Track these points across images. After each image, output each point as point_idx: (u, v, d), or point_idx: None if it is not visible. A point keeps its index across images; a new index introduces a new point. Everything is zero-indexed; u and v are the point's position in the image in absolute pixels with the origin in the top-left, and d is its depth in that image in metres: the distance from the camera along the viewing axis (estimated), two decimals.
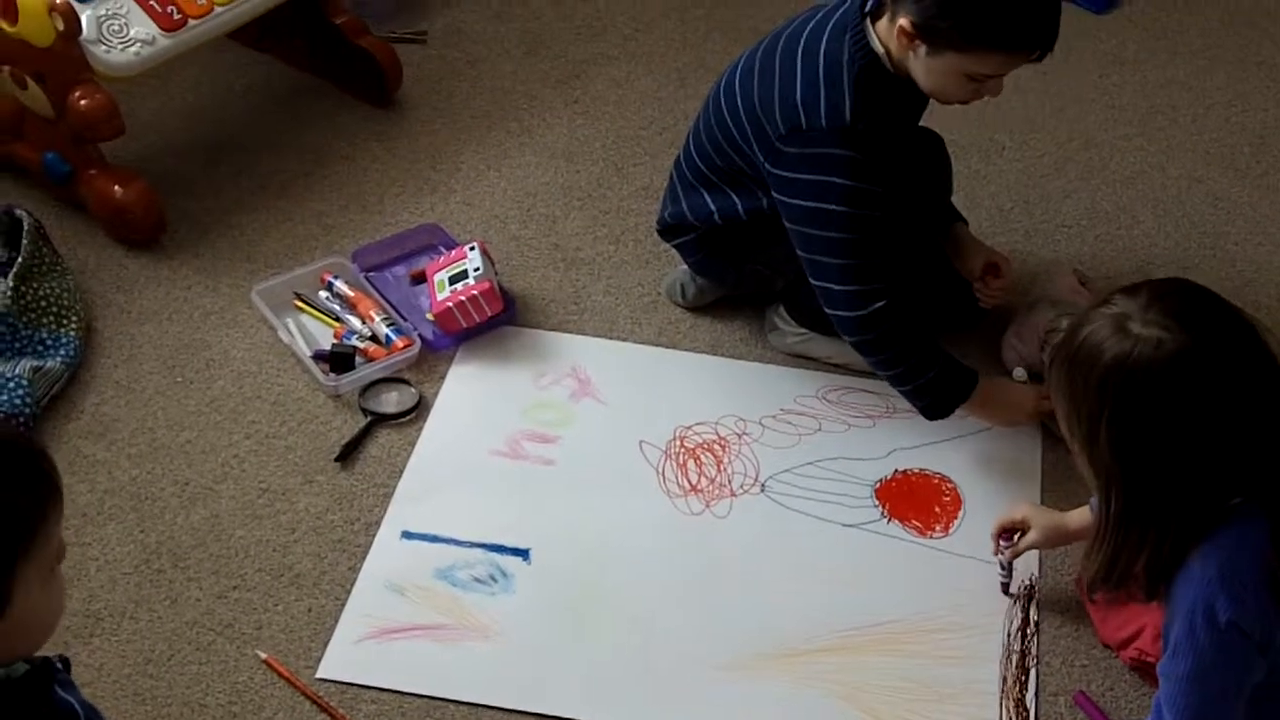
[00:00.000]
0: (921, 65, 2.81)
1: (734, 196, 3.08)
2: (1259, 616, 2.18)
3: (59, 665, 1.92)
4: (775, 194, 2.95)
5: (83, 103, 3.32)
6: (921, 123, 3.15)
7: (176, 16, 3.38)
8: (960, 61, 2.77)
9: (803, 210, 2.91)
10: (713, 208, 3.12)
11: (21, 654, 1.88)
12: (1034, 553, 2.86)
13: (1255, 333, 2.18)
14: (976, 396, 3.01)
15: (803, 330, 3.22)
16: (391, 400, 3.16)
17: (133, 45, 3.33)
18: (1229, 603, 2.16)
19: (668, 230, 3.27)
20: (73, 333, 3.20)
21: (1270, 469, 2.18)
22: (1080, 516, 2.74)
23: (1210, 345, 2.14)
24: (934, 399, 3.01)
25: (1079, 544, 2.82)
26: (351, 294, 3.33)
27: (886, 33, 2.83)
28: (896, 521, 2.98)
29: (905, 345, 2.96)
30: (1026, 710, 2.67)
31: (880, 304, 2.92)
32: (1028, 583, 2.85)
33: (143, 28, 3.35)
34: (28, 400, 3.03)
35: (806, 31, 2.93)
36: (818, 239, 2.92)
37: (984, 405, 3.04)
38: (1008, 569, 2.83)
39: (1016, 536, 2.80)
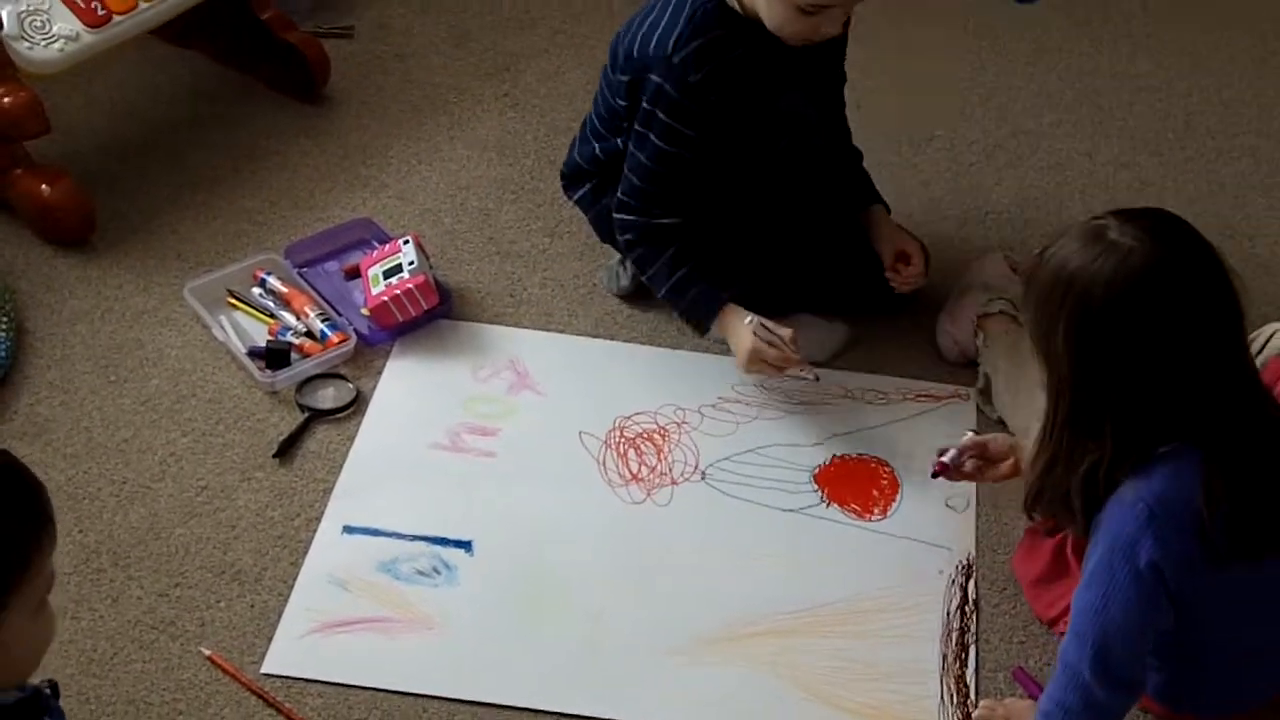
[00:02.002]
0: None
1: (616, 141, 3.15)
2: (1181, 562, 2.23)
3: (48, 692, 1.92)
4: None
5: (6, 100, 3.28)
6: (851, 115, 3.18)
7: (101, 12, 3.35)
8: None
9: (631, 134, 3.05)
10: (595, 147, 3.21)
11: (8, 683, 1.87)
12: (972, 532, 2.92)
13: (1223, 269, 2.22)
14: (718, 326, 3.12)
15: None
16: (328, 396, 3.15)
17: (56, 41, 3.30)
18: (1154, 544, 2.22)
19: (567, 184, 3.35)
20: (2, 334, 3.17)
21: (1214, 401, 2.23)
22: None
23: (1177, 264, 2.18)
24: (680, 314, 3.18)
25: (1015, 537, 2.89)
26: (285, 290, 3.32)
27: None
28: (835, 505, 3.00)
29: (646, 258, 3.14)
30: (966, 687, 2.70)
31: (631, 218, 3.11)
32: (965, 561, 2.88)
33: (66, 24, 3.32)
34: None
35: None
36: (630, 157, 3.07)
37: (726, 337, 3.13)
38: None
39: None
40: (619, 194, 3.14)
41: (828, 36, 2.92)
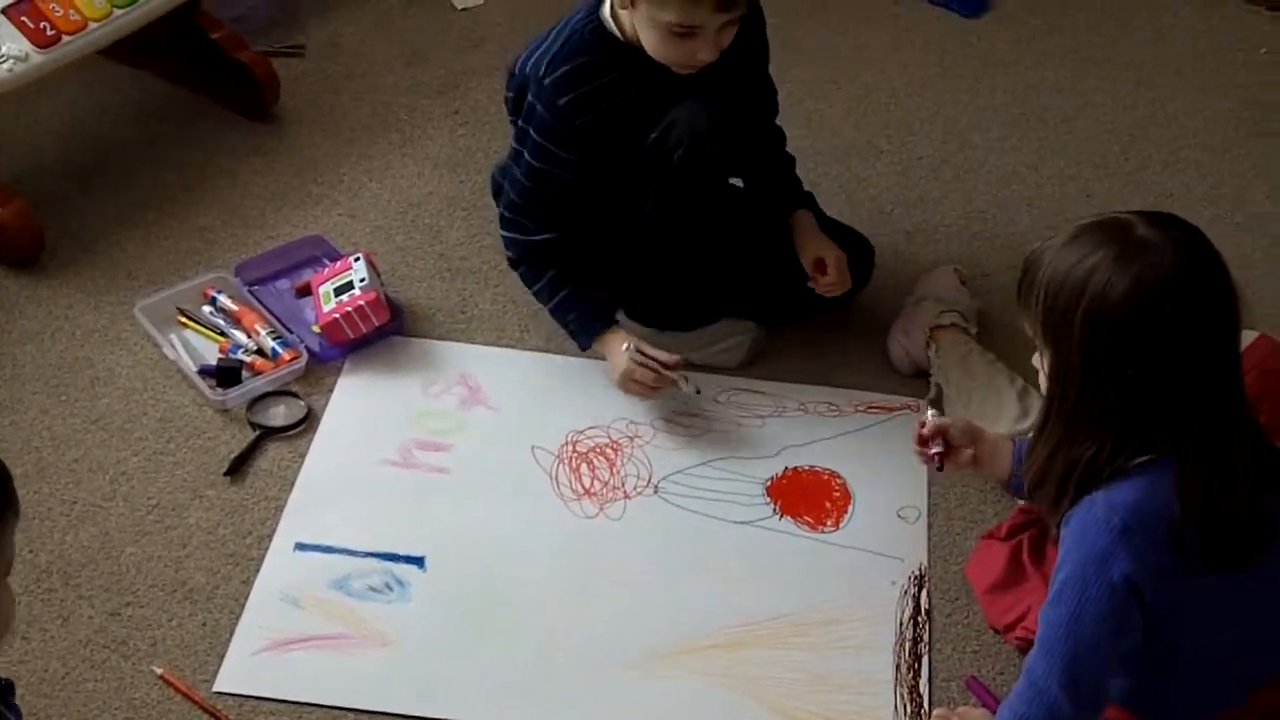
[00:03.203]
0: (637, 24, 2.91)
1: None
2: (1156, 573, 2.23)
3: (4, 684, 1.92)
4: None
5: None
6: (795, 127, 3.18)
7: (50, 33, 3.34)
8: (653, 10, 2.83)
9: (511, 151, 3.12)
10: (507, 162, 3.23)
11: None
12: (923, 543, 2.93)
13: (1232, 282, 2.24)
14: (598, 345, 3.17)
15: (647, 330, 3.26)
16: (280, 413, 3.15)
17: (5, 62, 3.29)
18: (1129, 558, 2.21)
19: (494, 194, 3.37)
20: None
21: (1205, 411, 2.23)
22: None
23: (1200, 272, 2.20)
24: (567, 330, 3.21)
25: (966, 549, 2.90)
26: (236, 308, 3.32)
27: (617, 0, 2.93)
28: (788, 518, 3.01)
29: (530, 275, 3.20)
30: (920, 697, 2.70)
31: (512, 235, 3.17)
32: (918, 572, 2.89)
33: (15, 44, 3.31)
34: None
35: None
36: (510, 175, 3.13)
37: (604, 353, 3.18)
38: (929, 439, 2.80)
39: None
40: (501, 210, 3.20)
41: (704, 63, 2.90)
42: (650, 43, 2.89)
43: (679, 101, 3.01)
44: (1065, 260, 2.24)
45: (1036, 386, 2.43)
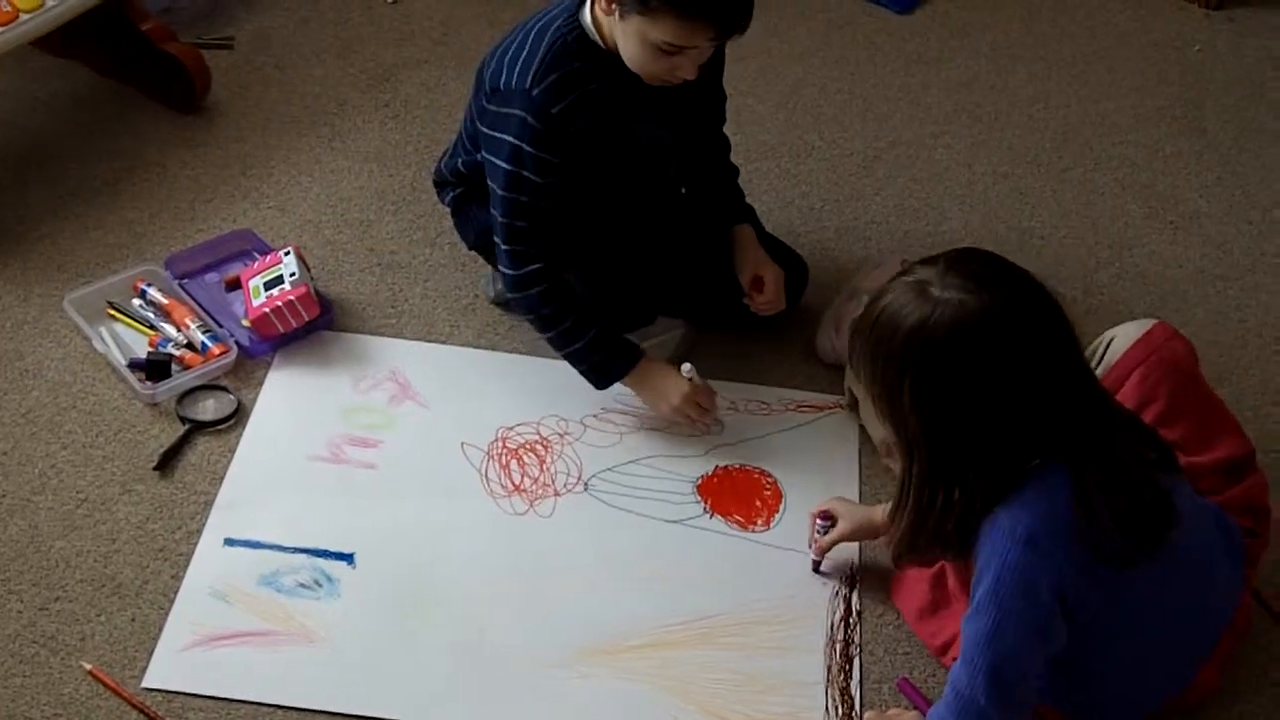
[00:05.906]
0: (620, 34, 2.87)
1: (477, 156, 3.11)
2: (1072, 574, 2.28)
3: None
4: (482, 152, 3.05)
5: None
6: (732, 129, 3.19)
7: None
8: (644, 26, 2.79)
9: (490, 167, 3.00)
10: (460, 160, 3.20)
11: None
12: (855, 544, 2.92)
13: (1046, 292, 2.29)
14: (633, 376, 3.09)
15: None
16: (209, 407, 3.14)
17: None
18: (1044, 568, 2.26)
19: (436, 188, 3.37)
20: None
21: (1069, 424, 2.27)
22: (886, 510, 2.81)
23: (1009, 304, 2.24)
24: (589, 368, 3.10)
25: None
26: (165, 301, 3.30)
27: (602, 7, 2.89)
28: (719, 516, 3.01)
29: (560, 312, 3.04)
30: (851, 698, 2.72)
31: (535, 267, 3.01)
32: (849, 573, 2.90)
33: None
34: None
35: (551, 6, 3.00)
36: (495, 196, 3.00)
37: (639, 386, 3.12)
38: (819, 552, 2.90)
39: (826, 525, 2.87)
40: (505, 247, 3.02)
41: (683, 80, 2.89)
42: (632, 55, 2.87)
43: (647, 111, 3.03)
44: (876, 338, 2.28)
45: None
